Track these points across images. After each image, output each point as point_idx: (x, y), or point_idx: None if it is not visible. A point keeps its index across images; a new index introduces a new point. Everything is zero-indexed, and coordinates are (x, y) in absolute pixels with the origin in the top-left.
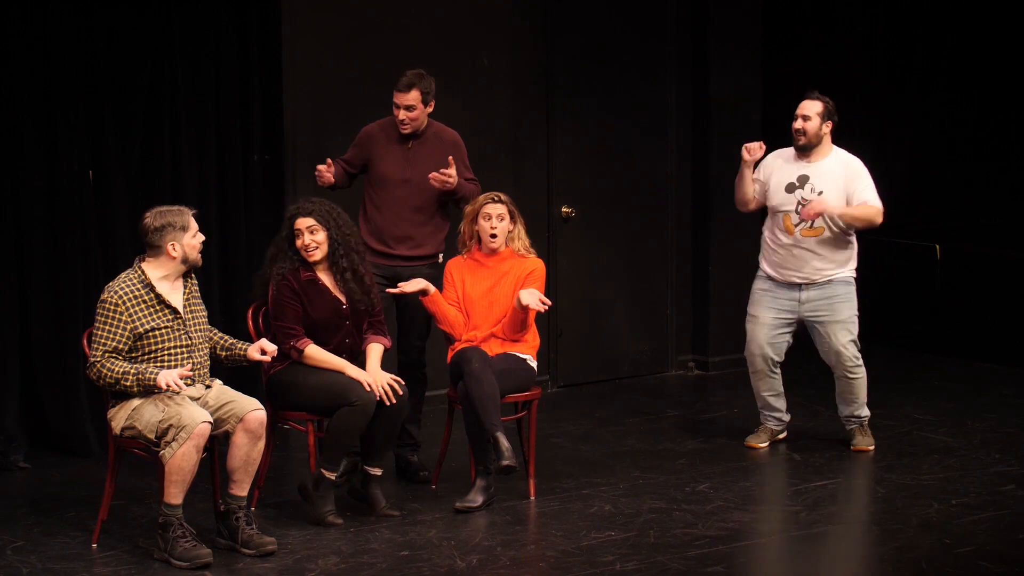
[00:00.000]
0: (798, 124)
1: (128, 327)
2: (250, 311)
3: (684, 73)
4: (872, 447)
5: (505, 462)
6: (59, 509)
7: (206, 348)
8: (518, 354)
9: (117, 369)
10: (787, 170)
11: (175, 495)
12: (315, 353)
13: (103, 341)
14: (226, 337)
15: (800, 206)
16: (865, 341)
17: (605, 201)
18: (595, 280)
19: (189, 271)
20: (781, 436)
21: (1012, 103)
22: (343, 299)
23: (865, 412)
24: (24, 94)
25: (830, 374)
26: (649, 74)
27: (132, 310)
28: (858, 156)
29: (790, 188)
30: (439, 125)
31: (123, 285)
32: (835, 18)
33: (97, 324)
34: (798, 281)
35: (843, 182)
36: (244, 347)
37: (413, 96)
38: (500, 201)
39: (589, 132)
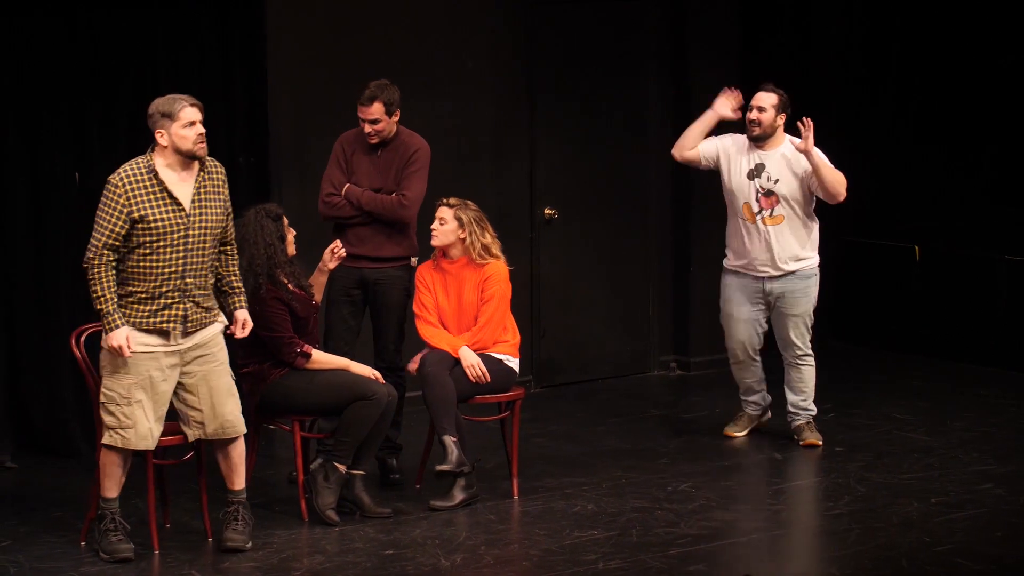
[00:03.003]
0: (753, 115)
1: (125, 211)
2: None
3: (664, 75)
4: (820, 441)
5: (441, 467)
6: (46, 508)
7: (207, 261)
8: (497, 355)
9: (104, 283)
10: (744, 157)
11: (109, 488)
12: (320, 356)
13: (102, 226)
14: (236, 276)
15: (759, 194)
16: (844, 341)
17: (587, 203)
18: (577, 281)
19: (203, 165)
20: (764, 420)
21: (985, 107)
22: (307, 295)
23: (813, 408)
24: (8, 96)
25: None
26: (629, 77)
27: (131, 193)
28: (833, 155)
29: (750, 175)
30: (408, 133)
31: (128, 168)
32: (812, 19)
33: (99, 209)
34: (760, 275)
35: (799, 167)
36: (238, 304)
37: (376, 109)
38: (446, 205)
39: (570, 135)
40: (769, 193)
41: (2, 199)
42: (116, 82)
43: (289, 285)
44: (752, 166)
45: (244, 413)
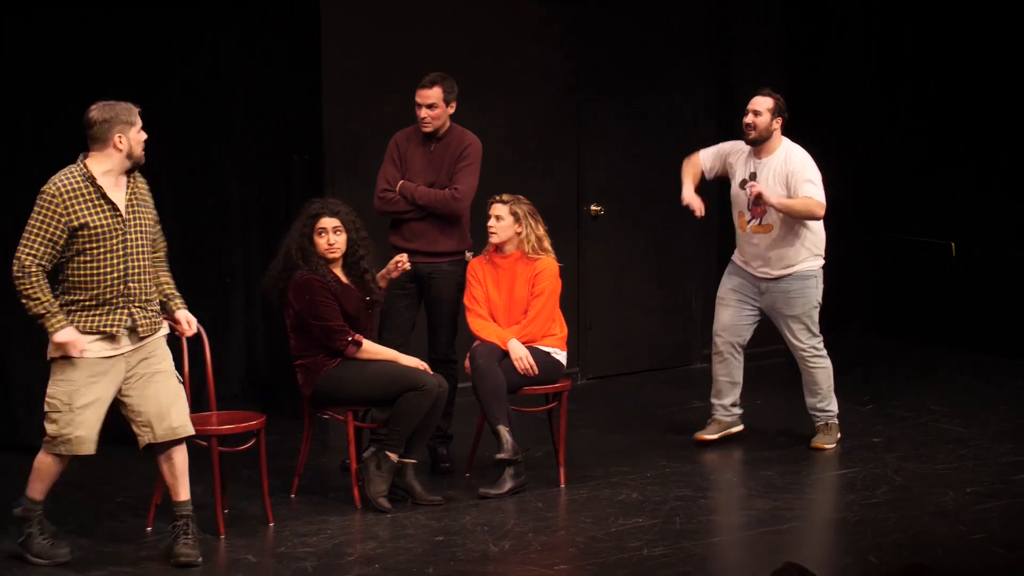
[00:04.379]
0: (748, 119)
1: (63, 220)
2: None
3: (708, 76)
4: (831, 446)
5: (499, 455)
6: (109, 495)
7: (146, 264)
8: (545, 348)
9: (44, 289)
10: (743, 165)
11: (40, 491)
12: (370, 346)
13: (38, 237)
14: (170, 284)
15: (749, 203)
16: (885, 336)
17: (632, 200)
18: (623, 276)
19: (133, 169)
20: (735, 430)
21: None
22: (363, 293)
23: (831, 407)
24: (77, 95)
25: (846, 368)
26: (673, 78)
27: (69, 202)
28: (871, 152)
29: (742, 184)
30: (461, 129)
31: (63, 177)
32: (849, 26)
33: (32, 217)
34: (757, 276)
35: (783, 175)
36: (178, 305)
37: (435, 93)
38: (500, 202)
39: (616, 134)
40: (758, 202)
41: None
42: (181, 84)
43: (343, 279)
44: (747, 175)
45: (298, 403)
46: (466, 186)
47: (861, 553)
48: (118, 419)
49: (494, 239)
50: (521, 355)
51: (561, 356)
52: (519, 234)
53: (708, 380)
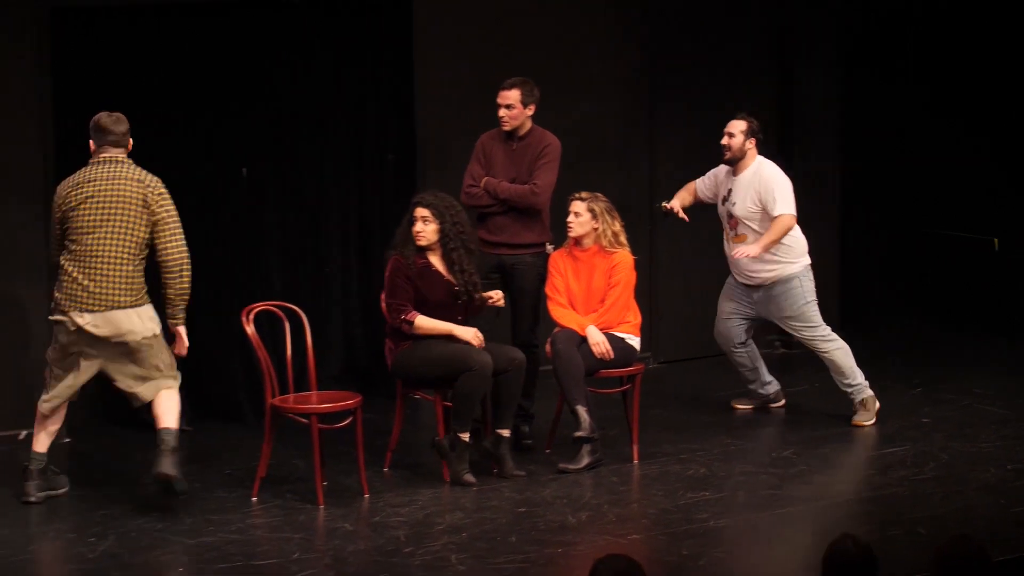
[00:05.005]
0: (724, 140)
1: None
2: (382, 296)
3: (770, 79)
4: (869, 423)
5: (577, 433)
6: (217, 467)
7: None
8: (620, 334)
9: None
10: (723, 184)
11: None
12: (423, 322)
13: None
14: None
15: (728, 217)
16: (934, 325)
17: None
18: (692, 267)
19: None
20: (776, 405)
21: None
22: (455, 280)
23: (858, 381)
24: (187, 99)
25: (896, 354)
26: (742, 80)
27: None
28: (921, 150)
29: (723, 200)
30: (542, 130)
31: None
32: (913, 25)
33: (175, 212)
34: (747, 284)
35: (754, 193)
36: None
37: (513, 95)
38: (578, 199)
39: (686, 134)
40: (730, 215)
41: (180, 194)
42: (282, 86)
43: (436, 266)
44: (725, 192)
45: (391, 384)
46: (545, 182)
47: (911, 525)
48: (223, 396)
49: (572, 233)
50: (598, 340)
51: (635, 342)
52: (596, 229)
53: (770, 365)
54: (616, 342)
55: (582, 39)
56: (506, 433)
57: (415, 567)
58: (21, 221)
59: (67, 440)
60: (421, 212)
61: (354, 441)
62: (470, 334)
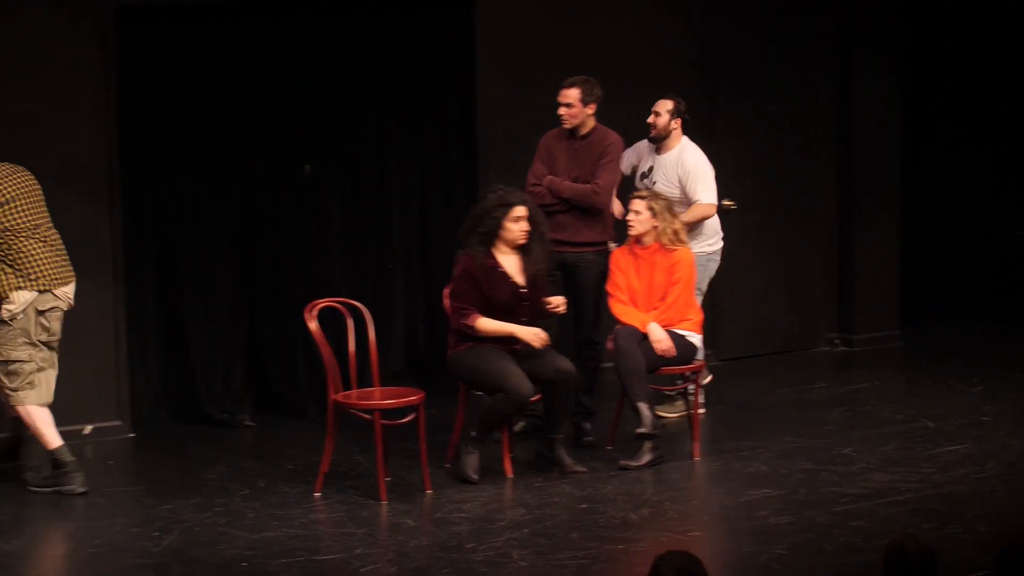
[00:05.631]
0: (650, 119)
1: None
2: (445, 292)
3: (830, 79)
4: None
5: (639, 430)
6: (280, 462)
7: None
8: (681, 331)
9: None
10: (645, 162)
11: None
12: (486, 325)
13: None
14: None
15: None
16: (994, 325)
17: (762, 195)
18: (753, 266)
19: None
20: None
21: None
22: (521, 282)
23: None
24: (256, 99)
25: (958, 353)
26: (798, 80)
27: None
28: (972, 148)
29: (642, 176)
30: (604, 129)
31: None
32: (973, 25)
33: None
34: None
35: (675, 176)
36: None
37: (573, 93)
38: (638, 198)
39: (745, 134)
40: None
41: (245, 192)
42: (346, 86)
43: (504, 267)
44: (646, 168)
45: (453, 382)
46: (605, 181)
47: (971, 523)
48: (286, 392)
49: (632, 231)
50: (660, 337)
51: (696, 339)
52: (656, 228)
53: (831, 363)
54: (677, 339)
55: (642, 37)
56: (560, 436)
57: (477, 563)
58: (88, 219)
59: (131, 436)
60: (525, 212)
61: (416, 437)
62: (531, 334)
